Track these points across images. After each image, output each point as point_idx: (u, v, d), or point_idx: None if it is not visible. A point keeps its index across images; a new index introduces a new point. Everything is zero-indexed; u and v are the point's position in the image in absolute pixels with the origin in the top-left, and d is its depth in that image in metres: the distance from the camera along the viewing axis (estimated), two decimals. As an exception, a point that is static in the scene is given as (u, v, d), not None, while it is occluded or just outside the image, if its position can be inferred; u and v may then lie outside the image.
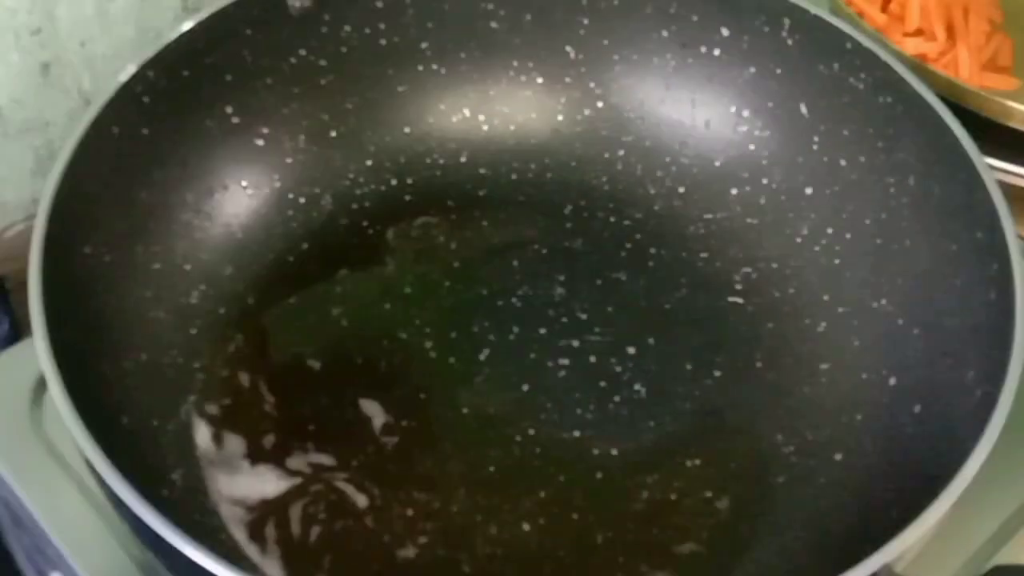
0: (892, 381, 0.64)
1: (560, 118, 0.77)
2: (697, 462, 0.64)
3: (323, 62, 0.73)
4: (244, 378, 0.66)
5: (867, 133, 0.69)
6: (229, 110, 0.70)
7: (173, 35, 0.66)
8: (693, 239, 0.73)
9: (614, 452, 0.64)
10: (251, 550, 0.59)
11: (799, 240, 0.72)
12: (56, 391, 0.53)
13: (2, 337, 0.77)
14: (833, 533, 0.60)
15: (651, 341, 0.69)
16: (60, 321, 0.56)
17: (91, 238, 0.62)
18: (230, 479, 0.62)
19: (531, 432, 0.65)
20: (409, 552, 0.60)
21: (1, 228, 0.81)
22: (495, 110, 0.77)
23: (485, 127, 0.77)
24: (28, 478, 0.64)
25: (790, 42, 0.71)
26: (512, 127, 0.77)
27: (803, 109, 0.72)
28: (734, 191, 0.74)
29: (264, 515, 0.60)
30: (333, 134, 0.74)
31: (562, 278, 0.71)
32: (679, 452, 0.64)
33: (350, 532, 0.60)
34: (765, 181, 0.73)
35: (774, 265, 0.72)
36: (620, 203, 0.75)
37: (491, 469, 0.63)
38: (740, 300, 0.71)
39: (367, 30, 0.73)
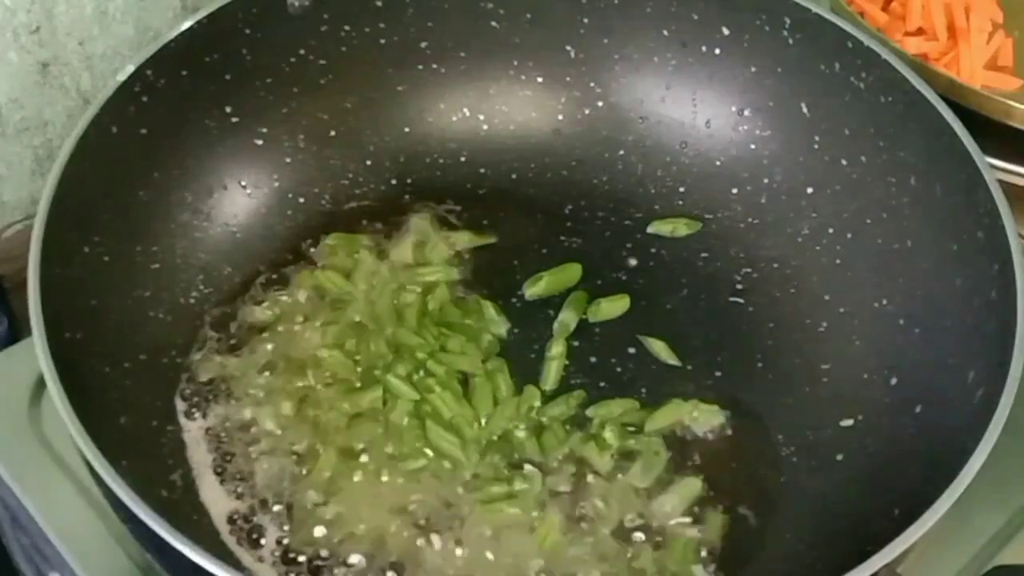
0: (893, 381, 0.64)
1: (560, 117, 0.77)
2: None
3: (323, 62, 0.73)
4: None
5: (868, 132, 0.69)
6: (228, 110, 0.70)
7: (172, 34, 0.66)
8: (693, 239, 0.73)
9: (614, 452, 0.64)
10: (250, 551, 0.59)
11: (800, 240, 0.71)
12: (55, 391, 0.52)
13: (1, 337, 0.77)
14: (834, 533, 0.60)
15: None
16: (59, 321, 0.56)
17: (90, 238, 0.62)
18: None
19: (531, 432, 0.65)
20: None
21: (0, 228, 0.81)
22: (495, 109, 0.77)
23: (485, 126, 0.77)
24: (26, 478, 0.64)
25: (791, 41, 0.70)
26: (512, 126, 0.77)
27: (804, 108, 0.71)
28: (735, 191, 0.74)
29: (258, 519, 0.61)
30: (333, 134, 0.74)
31: (562, 278, 0.71)
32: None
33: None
34: (766, 181, 0.73)
35: (775, 265, 0.72)
36: (620, 203, 0.75)
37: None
38: (740, 300, 0.71)
39: (367, 30, 0.73)
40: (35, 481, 0.64)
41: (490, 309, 0.69)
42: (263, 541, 0.59)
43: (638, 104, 0.76)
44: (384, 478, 0.62)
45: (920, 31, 0.82)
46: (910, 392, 0.63)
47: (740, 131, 0.74)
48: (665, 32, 0.74)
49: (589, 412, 0.65)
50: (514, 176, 0.76)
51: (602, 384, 0.67)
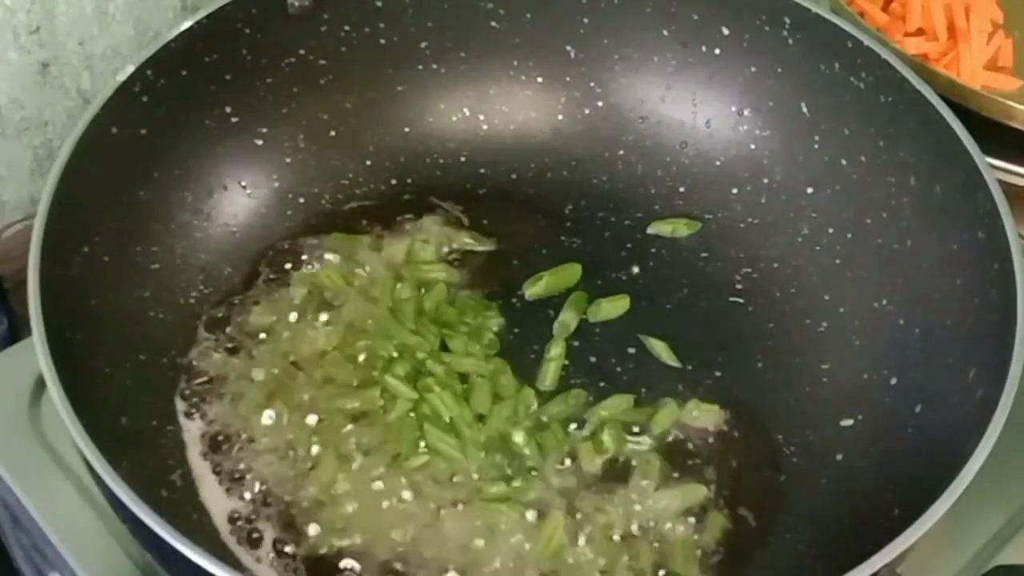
0: (893, 381, 0.64)
1: (560, 117, 0.77)
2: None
3: (323, 62, 0.73)
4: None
5: (868, 132, 0.69)
6: (228, 110, 0.70)
7: (172, 34, 0.66)
8: (693, 239, 0.73)
9: (614, 452, 0.64)
10: (250, 551, 0.59)
11: (800, 240, 0.71)
12: (54, 391, 0.52)
13: (1, 337, 0.77)
14: (834, 533, 0.60)
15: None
16: (59, 321, 0.56)
17: (90, 238, 0.62)
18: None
19: (531, 432, 0.65)
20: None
21: (0, 228, 0.81)
22: (495, 109, 0.77)
23: (485, 126, 0.77)
24: (27, 478, 0.64)
25: (791, 41, 0.70)
26: (512, 126, 0.77)
27: (804, 108, 0.71)
28: (735, 191, 0.74)
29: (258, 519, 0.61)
30: (332, 134, 0.74)
31: (562, 278, 0.71)
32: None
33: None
34: (766, 181, 0.73)
35: (775, 265, 0.72)
36: (620, 203, 0.75)
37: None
38: (741, 300, 0.71)
39: (367, 30, 0.73)
40: (35, 481, 0.64)
41: (487, 308, 0.69)
42: (263, 541, 0.59)
43: (638, 104, 0.76)
44: (383, 478, 0.62)
45: (920, 31, 0.82)
46: (910, 392, 0.63)
47: (740, 131, 0.74)
48: (665, 32, 0.74)
49: (588, 412, 0.65)
50: (514, 176, 0.76)
51: (602, 384, 0.67)
